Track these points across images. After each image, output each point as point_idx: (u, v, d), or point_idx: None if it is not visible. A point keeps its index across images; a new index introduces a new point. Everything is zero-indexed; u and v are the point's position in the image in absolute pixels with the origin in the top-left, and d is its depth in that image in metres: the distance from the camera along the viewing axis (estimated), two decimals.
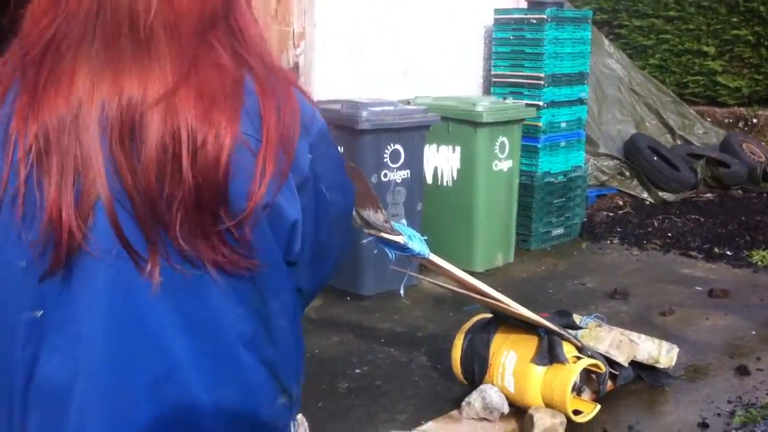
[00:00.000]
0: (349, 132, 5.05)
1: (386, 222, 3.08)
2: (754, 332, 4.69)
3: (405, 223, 5.25)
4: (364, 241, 3.30)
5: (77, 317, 1.20)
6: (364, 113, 5.01)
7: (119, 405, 1.22)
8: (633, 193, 7.91)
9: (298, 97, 1.32)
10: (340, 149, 5.13)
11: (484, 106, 5.64)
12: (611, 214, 7.40)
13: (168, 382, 1.24)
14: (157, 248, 1.19)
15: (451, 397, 3.83)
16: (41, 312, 1.20)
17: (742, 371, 4.11)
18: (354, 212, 3.12)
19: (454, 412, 3.67)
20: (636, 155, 7.98)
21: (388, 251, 3.28)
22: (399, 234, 3.17)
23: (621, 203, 7.70)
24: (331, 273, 1.55)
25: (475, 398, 3.63)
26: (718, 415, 3.67)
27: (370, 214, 3.09)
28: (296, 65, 5.65)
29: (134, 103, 1.17)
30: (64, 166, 1.17)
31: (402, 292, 3.63)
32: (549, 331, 3.60)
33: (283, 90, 1.29)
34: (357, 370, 4.14)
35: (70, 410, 1.21)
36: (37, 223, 1.17)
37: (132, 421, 1.22)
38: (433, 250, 5.45)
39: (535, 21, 6.31)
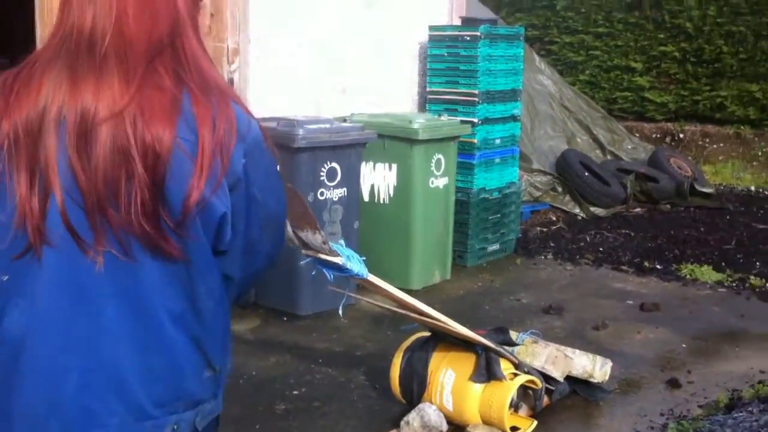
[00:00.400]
0: (286, 150, 5.02)
1: (324, 243, 3.08)
2: (684, 345, 4.81)
3: (343, 242, 5.24)
4: (302, 262, 3.28)
5: (33, 284, 1.49)
6: (300, 131, 4.99)
7: (57, 357, 1.50)
8: (565, 208, 8.04)
9: (235, 109, 1.54)
10: (277, 167, 5.10)
11: (420, 123, 5.67)
12: (545, 230, 7.52)
13: (98, 343, 1.50)
14: (101, 236, 1.46)
15: (389, 416, 3.82)
16: (7, 277, 1.50)
17: (674, 384, 4.21)
18: (291, 233, 3.11)
19: None
20: (568, 171, 8.13)
21: (326, 272, 3.27)
22: (337, 255, 3.17)
23: (554, 218, 7.83)
24: (264, 267, 1.73)
25: (413, 417, 3.63)
26: (651, 428, 3.74)
27: (308, 235, 3.08)
28: (231, 81, 5.60)
29: (88, 115, 1.44)
30: (30, 163, 1.45)
31: (341, 312, 3.62)
32: (486, 348, 3.63)
33: (220, 104, 1.51)
34: (295, 392, 4.11)
35: (21, 359, 1.50)
36: (10, 210, 1.47)
37: (67, 370, 1.50)
38: (370, 268, 5.44)
39: (468, 38, 6.38)
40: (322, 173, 5.14)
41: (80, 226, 1.47)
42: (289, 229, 3.11)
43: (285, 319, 5.16)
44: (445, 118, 6.10)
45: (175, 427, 1.58)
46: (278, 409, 3.91)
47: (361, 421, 3.81)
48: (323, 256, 3.14)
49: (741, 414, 3.61)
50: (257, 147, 1.59)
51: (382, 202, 5.80)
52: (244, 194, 1.56)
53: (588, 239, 7.24)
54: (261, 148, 1.60)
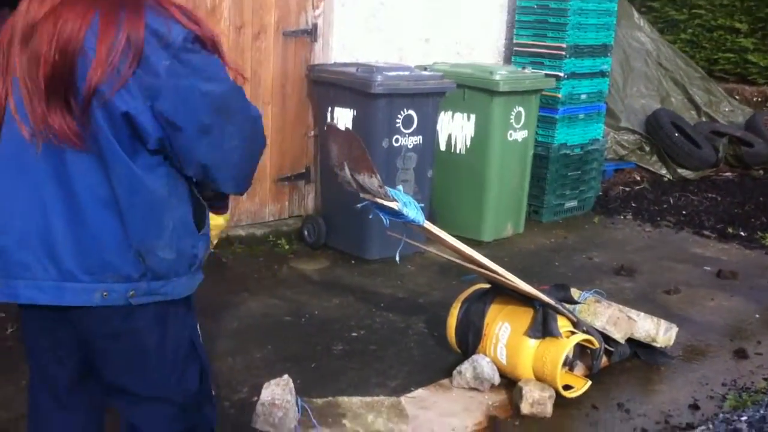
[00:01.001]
0: (363, 95, 5.02)
1: (380, 187, 3.07)
2: (758, 315, 4.63)
3: (414, 189, 5.24)
4: (358, 205, 3.29)
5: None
6: (378, 77, 4.96)
7: (3, 217, 1.94)
8: (652, 168, 7.80)
9: (148, 19, 1.83)
10: (353, 112, 5.11)
11: (501, 75, 5.57)
12: (627, 189, 7.32)
13: (36, 212, 1.90)
14: (39, 124, 1.86)
15: (444, 365, 3.83)
16: None
17: (741, 354, 4.07)
18: (349, 175, 3.12)
19: (445, 381, 3.67)
20: (657, 130, 7.85)
21: (382, 216, 3.26)
22: (394, 200, 3.16)
23: (638, 178, 7.61)
24: (244, 155, 1.98)
25: (466, 368, 3.63)
26: (711, 397, 3.64)
27: (365, 179, 3.08)
28: (315, 27, 5.61)
29: (31, 17, 1.86)
30: (6, 65, 1.92)
31: (398, 258, 3.61)
32: (544, 305, 3.58)
33: (128, 17, 1.82)
34: (354, 334, 4.16)
35: None
36: None
37: (8, 229, 1.92)
38: (443, 216, 5.50)
39: None
40: (398, 120, 5.11)
41: (21, 113, 1.89)
42: (347, 171, 3.12)
43: (353, 262, 5.21)
44: (528, 71, 5.96)
45: (105, 294, 1.92)
46: (335, 349, 3.97)
47: (415, 366, 3.83)
48: (380, 200, 3.14)
49: None
50: (183, 47, 1.84)
51: (458, 152, 5.75)
52: (173, 89, 1.82)
53: (671, 201, 7.02)
54: (188, 48, 1.85)
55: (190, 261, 2.03)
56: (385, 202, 3.16)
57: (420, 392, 3.57)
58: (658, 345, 3.94)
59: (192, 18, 1.93)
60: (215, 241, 2.33)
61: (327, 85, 5.32)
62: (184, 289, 2.06)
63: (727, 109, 8.93)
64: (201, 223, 2.07)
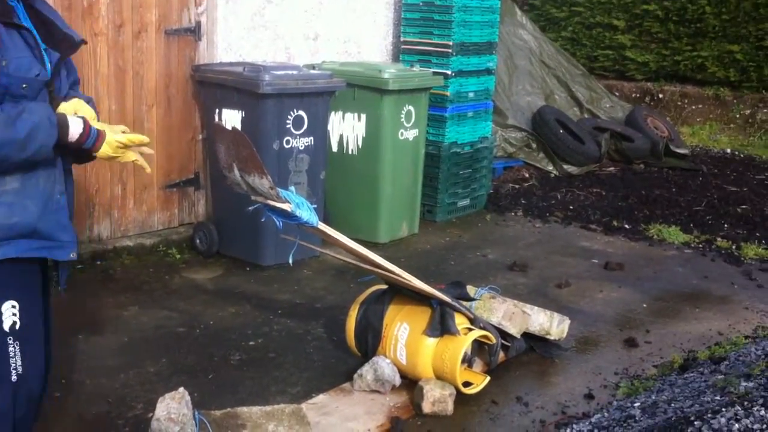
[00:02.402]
0: (251, 96, 4.92)
1: (272, 188, 2.99)
2: (645, 305, 4.80)
3: (307, 192, 5.17)
4: (250, 208, 3.19)
5: None
6: (266, 77, 4.87)
7: None
8: (539, 165, 7.99)
9: None
10: (242, 114, 4.99)
11: (391, 73, 5.56)
12: (517, 186, 7.47)
13: None
14: None
15: (344, 369, 3.78)
16: None
17: (631, 343, 4.20)
18: (239, 177, 3.03)
19: (346, 385, 3.63)
20: (543, 127, 8.05)
21: (275, 219, 3.18)
22: (286, 201, 3.08)
23: (527, 175, 7.77)
24: None
25: (366, 370, 3.60)
26: (604, 386, 3.73)
27: (255, 180, 2.99)
28: (198, 24, 5.46)
29: None
30: None
31: (290, 261, 3.52)
32: (441, 303, 3.58)
33: None
34: (251, 342, 4.06)
35: None
36: None
37: None
38: (337, 219, 5.44)
39: None
40: (288, 121, 5.03)
41: None
42: (236, 173, 3.03)
43: (248, 269, 5.10)
44: (417, 69, 5.99)
45: None
46: (233, 359, 3.86)
47: (315, 373, 3.77)
48: (272, 202, 3.06)
49: (692, 374, 3.60)
50: None
51: (350, 152, 5.71)
52: None
53: (559, 197, 7.20)
54: None
55: None
56: (277, 204, 3.08)
57: (321, 398, 3.51)
58: (552, 338, 4.02)
59: None
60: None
61: (213, 86, 5.18)
62: None
63: (608, 105, 9.25)
64: None
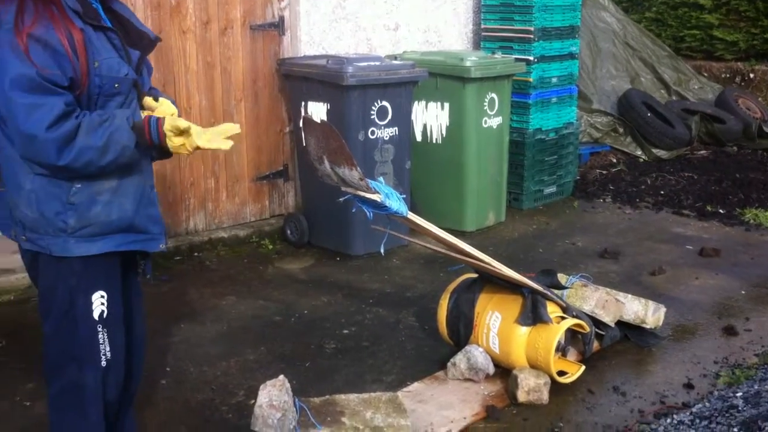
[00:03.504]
0: (335, 88, 4.97)
1: (361, 179, 3.02)
2: (743, 292, 4.67)
3: (382, 179, 5.19)
4: (340, 199, 3.24)
5: None
6: (350, 69, 4.91)
7: None
8: (627, 150, 7.84)
9: (1, 10, 2.20)
10: (327, 106, 5.05)
11: (472, 60, 5.54)
12: (604, 172, 7.34)
13: None
14: None
15: (437, 357, 3.80)
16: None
17: (730, 331, 4.09)
18: (329, 169, 3.07)
19: (440, 373, 3.65)
20: (630, 111, 7.89)
21: (365, 209, 3.21)
22: (375, 192, 3.11)
23: (614, 161, 7.64)
24: (16, 142, 2.26)
25: (460, 359, 3.61)
26: (704, 375, 3.65)
27: (345, 171, 3.03)
28: (282, 19, 5.54)
29: None
30: None
31: (382, 251, 3.56)
32: (533, 291, 3.56)
33: None
34: (345, 331, 4.12)
35: None
36: None
37: None
38: (423, 208, 5.46)
39: None
40: (372, 112, 5.07)
41: None
42: (327, 165, 3.08)
43: (338, 259, 5.17)
44: (499, 56, 5.94)
45: (13, 232, 2.41)
46: (328, 347, 3.93)
47: (409, 361, 3.80)
48: (361, 193, 3.09)
49: None
50: None
51: (434, 141, 5.72)
52: None
53: (649, 182, 7.05)
54: None
55: (56, 227, 2.32)
56: (367, 195, 3.11)
57: (416, 386, 3.54)
58: (648, 326, 3.95)
59: None
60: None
61: (299, 79, 5.26)
62: (60, 250, 2.35)
63: (696, 87, 9.00)
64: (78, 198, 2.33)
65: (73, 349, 2.44)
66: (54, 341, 2.46)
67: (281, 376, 3.18)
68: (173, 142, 2.38)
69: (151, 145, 2.39)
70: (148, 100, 2.52)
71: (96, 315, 2.43)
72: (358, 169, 2.98)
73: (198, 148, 2.40)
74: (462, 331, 3.75)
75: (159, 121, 2.39)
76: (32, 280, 2.54)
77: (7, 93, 2.17)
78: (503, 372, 3.59)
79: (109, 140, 2.27)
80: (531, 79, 6.24)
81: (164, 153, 2.46)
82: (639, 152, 7.84)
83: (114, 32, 2.37)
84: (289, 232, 5.44)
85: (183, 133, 2.38)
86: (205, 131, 2.41)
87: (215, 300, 4.47)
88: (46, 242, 2.34)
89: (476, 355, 3.60)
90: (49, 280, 2.41)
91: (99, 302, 2.43)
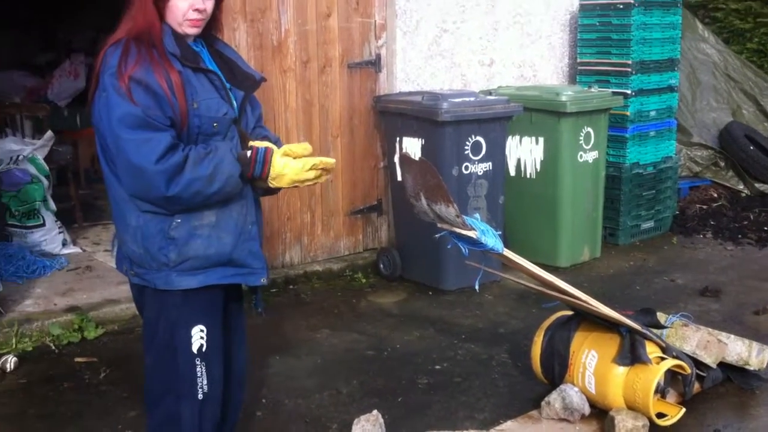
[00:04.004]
0: (430, 124, 5.03)
1: (458, 216, 3.04)
2: None
3: (479, 216, 5.19)
4: (437, 235, 3.27)
5: None
6: (445, 104, 4.96)
7: None
8: (728, 184, 7.61)
9: (107, 53, 2.38)
10: (422, 141, 5.10)
11: (568, 95, 5.51)
12: (704, 207, 7.15)
13: None
14: None
15: (531, 396, 3.77)
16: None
17: None
18: (426, 206, 3.11)
19: (534, 412, 3.60)
20: (731, 144, 7.66)
21: (461, 246, 3.23)
22: (471, 229, 3.13)
23: (715, 195, 7.43)
24: (125, 179, 2.37)
25: (554, 398, 3.56)
26: None
27: (442, 208, 3.06)
28: (378, 57, 5.65)
29: None
30: None
31: (477, 287, 3.57)
32: (631, 330, 3.49)
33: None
34: (437, 366, 4.12)
35: None
36: None
37: None
38: (516, 244, 5.43)
39: (621, 6, 6.12)
40: (466, 147, 5.09)
41: None
42: (423, 201, 3.11)
43: (430, 293, 5.18)
44: (595, 89, 5.89)
45: (125, 268, 2.54)
46: (420, 383, 3.94)
47: (502, 399, 3.77)
48: (457, 230, 3.11)
49: None
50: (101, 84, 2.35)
51: (528, 176, 5.70)
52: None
53: (752, 218, 6.82)
54: (102, 86, 2.34)
55: (159, 261, 2.42)
56: (463, 231, 3.13)
57: (509, 425, 3.51)
58: (752, 368, 3.81)
59: None
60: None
61: (394, 116, 5.34)
62: (164, 284, 2.44)
63: None
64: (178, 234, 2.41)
65: (171, 381, 2.52)
66: (154, 373, 2.56)
67: (375, 411, 3.22)
68: (275, 170, 2.44)
69: (250, 176, 2.45)
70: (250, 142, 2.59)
71: (195, 348, 2.50)
72: (455, 206, 3.01)
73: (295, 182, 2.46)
74: (556, 369, 3.70)
75: (267, 150, 2.45)
76: (139, 312, 2.65)
77: (115, 131, 2.28)
78: (599, 413, 3.52)
79: (215, 170, 2.35)
80: (628, 113, 6.16)
81: (271, 190, 2.54)
82: (741, 186, 7.60)
83: (214, 74, 2.47)
84: (382, 266, 5.49)
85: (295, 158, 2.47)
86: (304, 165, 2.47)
87: (310, 333, 4.55)
88: (151, 276, 2.45)
89: (571, 394, 3.54)
90: (152, 312, 2.52)
91: (198, 336, 2.51)
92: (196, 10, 2.43)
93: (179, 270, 2.43)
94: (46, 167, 5.74)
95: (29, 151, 5.66)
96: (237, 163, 2.41)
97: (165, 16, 2.41)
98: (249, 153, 2.45)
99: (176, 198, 2.33)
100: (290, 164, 2.46)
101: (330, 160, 2.51)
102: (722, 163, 7.69)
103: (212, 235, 2.44)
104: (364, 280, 5.41)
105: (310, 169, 2.46)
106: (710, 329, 3.85)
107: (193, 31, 2.46)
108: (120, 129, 2.28)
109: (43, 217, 5.51)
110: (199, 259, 2.44)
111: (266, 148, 2.47)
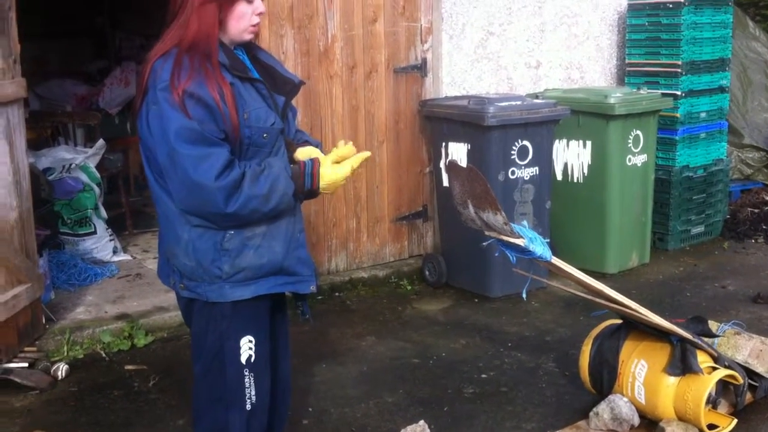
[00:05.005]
0: (476, 128, 5.00)
1: (506, 224, 3.02)
2: None
3: (526, 223, 5.14)
4: (484, 243, 3.25)
5: None
6: (491, 109, 4.93)
7: None
8: None
9: (156, 65, 2.35)
10: (468, 146, 5.08)
11: (617, 97, 5.44)
12: (756, 211, 6.99)
13: None
14: None
15: (579, 406, 3.72)
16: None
17: None
18: (474, 213, 3.09)
19: (582, 423, 3.56)
20: None
21: (508, 254, 3.21)
22: (519, 236, 3.10)
23: (767, 199, 7.26)
24: (180, 194, 2.34)
25: (603, 409, 3.51)
26: None
27: (489, 216, 3.04)
28: (424, 61, 5.64)
29: None
30: None
31: (524, 295, 3.54)
32: (682, 339, 3.43)
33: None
34: (483, 375, 4.10)
35: None
36: None
37: None
38: (563, 249, 5.39)
39: (671, 5, 6.02)
40: (513, 151, 5.06)
41: None
42: (471, 209, 3.10)
43: (476, 300, 5.16)
44: (644, 91, 5.80)
45: (172, 281, 2.54)
46: (466, 392, 3.92)
47: (550, 408, 3.74)
48: (505, 238, 3.09)
49: None
50: (154, 98, 2.31)
51: (575, 181, 5.63)
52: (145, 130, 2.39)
53: None
54: (155, 99, 2.30)
55: (212, 273, 2.42)
56: (511, 239, 3.11)
57: None
58: None
59: None
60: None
61: (440, 120, 5.32)
62: (217, 296, 2.44)
63: None
64: (231, 245, 2.41)
65: (220, 391, 2.53)
66: (203, 383, 2.57)
67: (421, 422, 3.21)
68: (324, 180, 2.47)
69: (302, 191, 2.46)
70: (299, 151, 2.60)
71: (243, 359, 2.51)
72: (503, 213, 2.99)
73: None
74: (605, 379, 3.65)
75: (314, 163, 2.47)
76: (187, 324, 2.67)
77: (173, 145, 2.25)
78: (649, 423, 3.47)
79: (271, 188, 2.35)
80: (678, 115, 6.06)
81: (312, 194, 2.54)
82: None
83: (261, 83, 2.45)
84: (427, 272, 5.48)
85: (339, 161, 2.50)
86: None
87: (355, 340, 4.56)
88: (203, 289, 2.44)
89: (620, 405, 3.49)
90: (201, 324, 2.52)
91: (247, 346, 2.52)
92: (260, 14, 2.42)
93: (232, 282, 2.43)
94: (98, 175, 5.85)
95: (81, 160, 5.76)
96: (291, 181, 2.41)
97: (227, 23, 2.38)
98: (297, 168, 2.46)
99: (234, 215, 2.32)
100: (337, 171, 2.47)
101: (366, 154, 2.55)
102: None
103: (263, 245, 2.44)
104: (409, 287, 5.41)
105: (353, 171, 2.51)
106: (763, 338, 3.77)
107: (251, 37, 2.46)
108: (177, 143, 2.25)
109: (94, 225, 5.61)
110: (252, 269, 2.44)
111: (313, 161, 2.48)
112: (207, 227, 2.39)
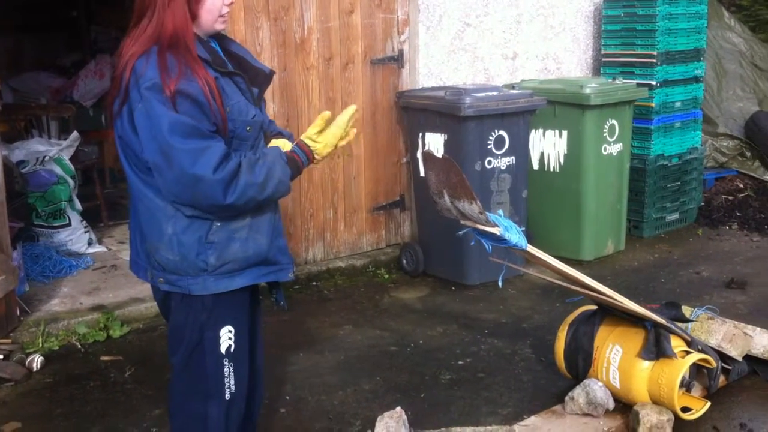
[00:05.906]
0: (453, 119, 5.01)
1: (481, 213, 3.04)
2: None
3: (501, 212, 5.17)
4: (460, 232, 3.27)
5: None
6: (467, 99, 4.94)
7: None
8: (755, 175, 7.52)
9: (137, 64, 2.30)
10: (444, 137, 5.09)
11: (592, 87, 5.47)
12: (731, 198, 7.07)
13: None
14: None
15: (554, 391, 3.76)
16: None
17: None
18: (449, 203, 3.10)
19: (558, 407, 3.58)
20: (758, 134, 7.57)
21: (484, 243, 3.23)
22: (495, 225, 3.12)
23: (741, 186, 7.34)
24: (176, 188, 2.29)
25: (578, 393, 3.54)
26: None
27: (465, 205, 3.05)
28: (401, 53, 5.64)
29: None
30: None
31: (500, 283, 3.56)
32: (656, 324, 3.47)
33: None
34: (460, 362, 4.12)
35: None
36: None
37: None
38: (540, 238, 5.42)
39: None
40: (489, 141, 5.08)
41: None
42: (446, 199, 3.11)
43: (453, 288, 5.18)
44: (619, 81, 5.84)
45: (150, 275, 2.49)
46: (443, 378, 3.94)
47: (526, 393, 3.77)
48: (481, 227, 3.10)
49: None
50: (141, 95, 2.26)
51: (552, 170, 5.66)
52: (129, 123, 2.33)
53: None
54: (144, 97, 2.26)
55: (197, 267, 2.39)
56: (487, 228, 3.12)
57: (533, 420, 3.50)
58: None
59: None
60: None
61: (417, 111, 5.33)
62: (200, 289, 2.42)
63: None
64: (215, 238, 2.39)
65: (199, 382, 2.52)
66: (182, 374, 2.55)
67: (398, 408, 3.22)
68: (319, 150, 2.50)
69: (302, 169, 2.48)
70: (268, 142, 2.60)
71: (223, 349, 2.50)
72: (478, 202, 3.00)
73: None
74: (581, 364, 3.68)
75: (300, 144, 2.49)
76: (164, 316, 2.65)
77: (168, 140, 2.22)
78: (623, 407, 3.50)
79: (267, 176, 2.34)
80: (653, 105, 6.11)
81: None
82: (767, 177, 7.52)
83: (239, 76, 2.44)
84: (404, 261, 5.50)
85: (320, 133, 2.50)
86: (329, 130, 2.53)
87: (333, 329, 4.57)
88: (185, 282, 2.41)
89: (596, 389, 3.52)
90: (180, 316, 2.49)
91: (227, 337, 2.50)
92: (229, 3, 2.42)
93: (217, 274, 2.41)
94: (72, 168, 5.81)
95: (55, 152, 5.73)
96: (287, 167, 2.41)
97: (200, 16, 2.37)
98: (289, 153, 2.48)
99: (232, 205, 2.30)
100: (327, 133, 2.50)
101: (351, 108, 2.57)
102: (748, 154, 7.60)
103: (249, 237, 2.43)
104: (386, 276, 5.42)
105: (346, 127, 2.53)
106: (736, 322, 3.83)
107: (223, 27, 2.46)
108: (172, 138, 2.22)
109: (68, 217, 5.58)
110: (237, 261, 2.43)
111: (297, 142, 2.51)
112: (197, 217, 2.36)
